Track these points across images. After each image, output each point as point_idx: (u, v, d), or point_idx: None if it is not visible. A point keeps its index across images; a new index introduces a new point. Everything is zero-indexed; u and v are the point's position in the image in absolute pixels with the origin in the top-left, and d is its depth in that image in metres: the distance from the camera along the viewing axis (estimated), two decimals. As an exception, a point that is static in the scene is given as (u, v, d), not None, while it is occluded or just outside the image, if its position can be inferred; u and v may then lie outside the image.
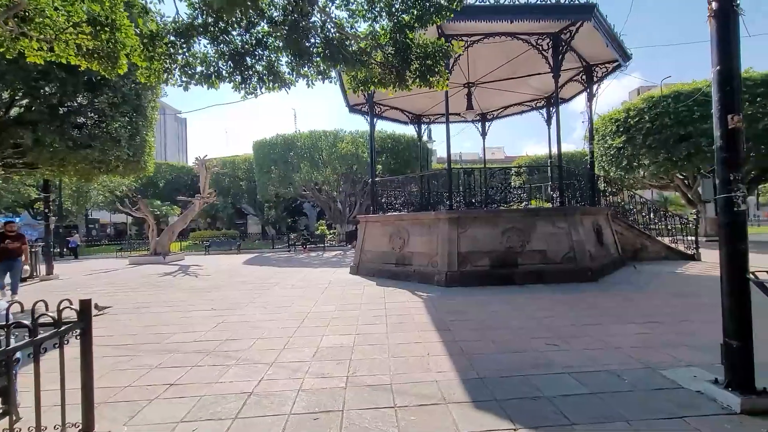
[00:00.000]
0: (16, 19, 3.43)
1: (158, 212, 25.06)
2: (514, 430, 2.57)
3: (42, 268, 12.22)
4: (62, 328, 2.02)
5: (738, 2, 2.67)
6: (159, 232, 19.45)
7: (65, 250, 23.10)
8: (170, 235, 19.39)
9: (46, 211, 12.73)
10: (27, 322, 1.93)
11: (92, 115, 7.90)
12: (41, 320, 1.94)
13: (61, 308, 2.09)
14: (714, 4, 2.71)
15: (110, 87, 7.85)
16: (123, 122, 8.38)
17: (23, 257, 7.84)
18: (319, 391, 3.23)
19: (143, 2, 3.89)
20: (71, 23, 3.80)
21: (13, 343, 1.90)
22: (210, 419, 2.83)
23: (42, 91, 7.02)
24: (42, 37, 3.58)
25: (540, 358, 3.84)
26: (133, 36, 4.01)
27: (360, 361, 3.89)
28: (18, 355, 2.10)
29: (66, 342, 2.06)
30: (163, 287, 9.51)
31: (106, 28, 3.89)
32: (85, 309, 2.16)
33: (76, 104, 7.68)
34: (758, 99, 14.61)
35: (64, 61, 3.88)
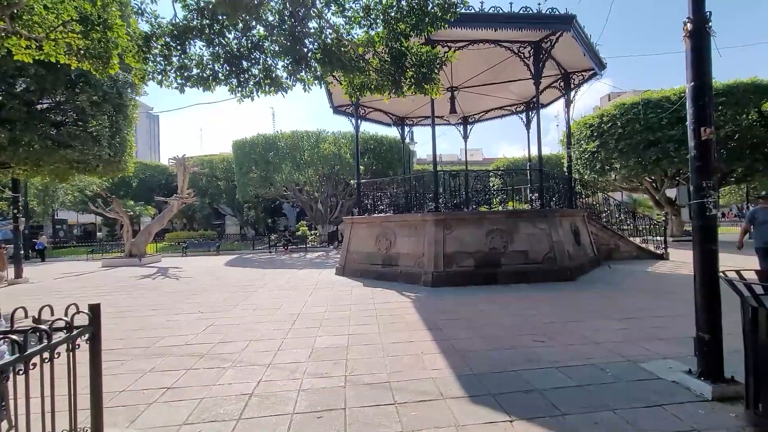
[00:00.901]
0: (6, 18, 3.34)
1: (132, 212, 24.23)
2: (510, 421, 2.72)
3: (10, 272, 11.69)
4: (74, 333, 2.03)
5: (711, 24, 2.93)
6: (134, 233, 18.85)
7: (31, 252, 22.06)
8: (146, 237, 18.85)
9: (15, 211, 12.16)
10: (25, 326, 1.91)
11: (72, 113, 7.60)
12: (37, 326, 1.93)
13: (70, 314, 2.10)
14: (689, 26, 2.95)
15: (91, 85, 7.58)
16: (103, 121, 8.11)
17: None
18: (320, 391, 3.30)
19: (138, 3, 3.85)
20: (61, 21, 3.72)
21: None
22: (214, 421, 2.85)
23: (18, 88, 6.71)
24: (32, 35, 3.49)
25: (528, 353, 4.03)
26: (125, 35, 3.96)
27: (356, 361, 3.97)
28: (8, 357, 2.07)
29: (77, 346, 2.07)
30: (144, 290, 9.28)
31: (97, 27, 3.82)
32: (96, 313, 2.17)
33: (54, 102, 7.39)
34: (720, 107, 15.54)
35: (53, 60, 3.78)
